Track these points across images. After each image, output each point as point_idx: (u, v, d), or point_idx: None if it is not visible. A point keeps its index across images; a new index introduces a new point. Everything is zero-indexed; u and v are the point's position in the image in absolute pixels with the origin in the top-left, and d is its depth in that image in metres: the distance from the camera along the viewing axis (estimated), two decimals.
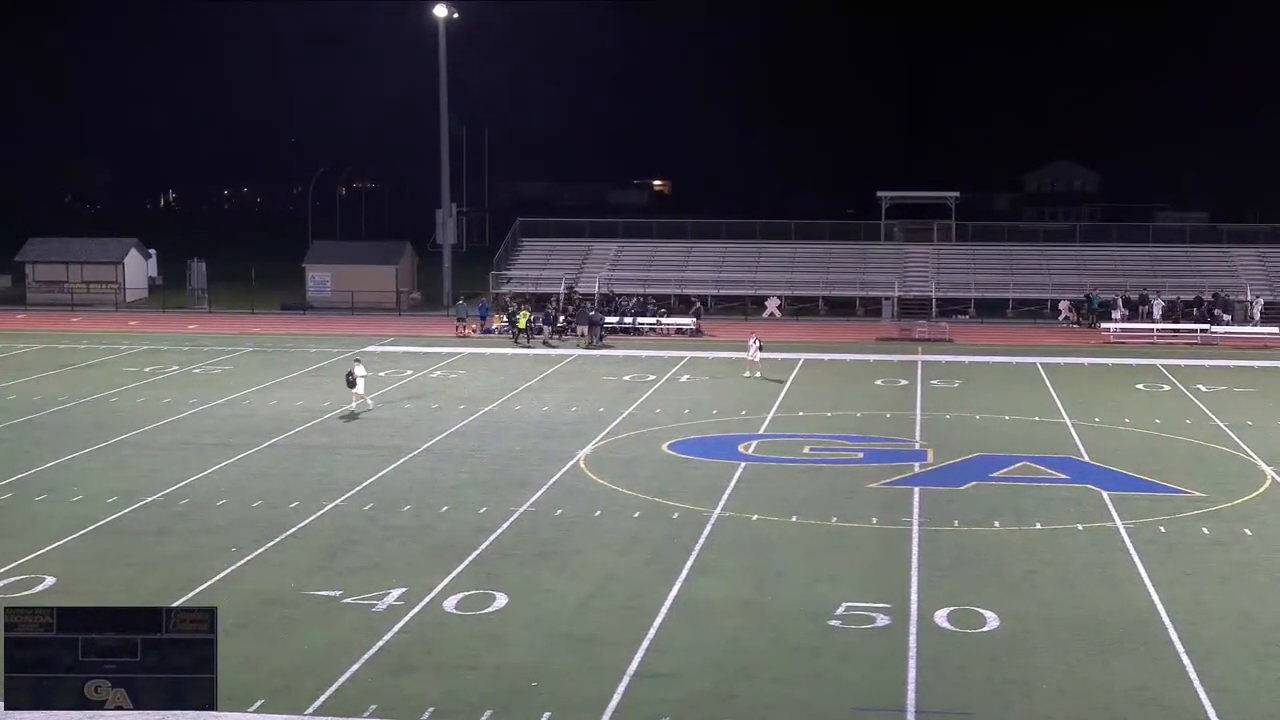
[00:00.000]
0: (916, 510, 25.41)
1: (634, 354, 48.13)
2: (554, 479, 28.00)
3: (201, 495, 26.50)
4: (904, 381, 41.65)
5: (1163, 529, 24.17)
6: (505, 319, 53.64)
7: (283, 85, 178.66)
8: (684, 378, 42.47)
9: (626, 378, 42.26)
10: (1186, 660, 17.77)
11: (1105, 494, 26.73)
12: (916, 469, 29.24)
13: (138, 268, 67.25)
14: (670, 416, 35.37)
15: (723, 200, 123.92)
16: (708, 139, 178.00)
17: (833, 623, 19.18)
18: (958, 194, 66.94)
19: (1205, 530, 24.14)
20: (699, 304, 59.49)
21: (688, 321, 55.58)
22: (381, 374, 41.48)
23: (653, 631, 18.80)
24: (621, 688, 16.81)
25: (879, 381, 41.84)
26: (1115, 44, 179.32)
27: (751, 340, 42.64)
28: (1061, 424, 34.43)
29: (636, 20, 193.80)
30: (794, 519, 24.82)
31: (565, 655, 17.94)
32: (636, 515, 25.08)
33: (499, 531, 23.92)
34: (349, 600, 20.06)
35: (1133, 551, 22.74)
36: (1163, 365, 45.00)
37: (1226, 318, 54.28)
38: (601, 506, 25.71)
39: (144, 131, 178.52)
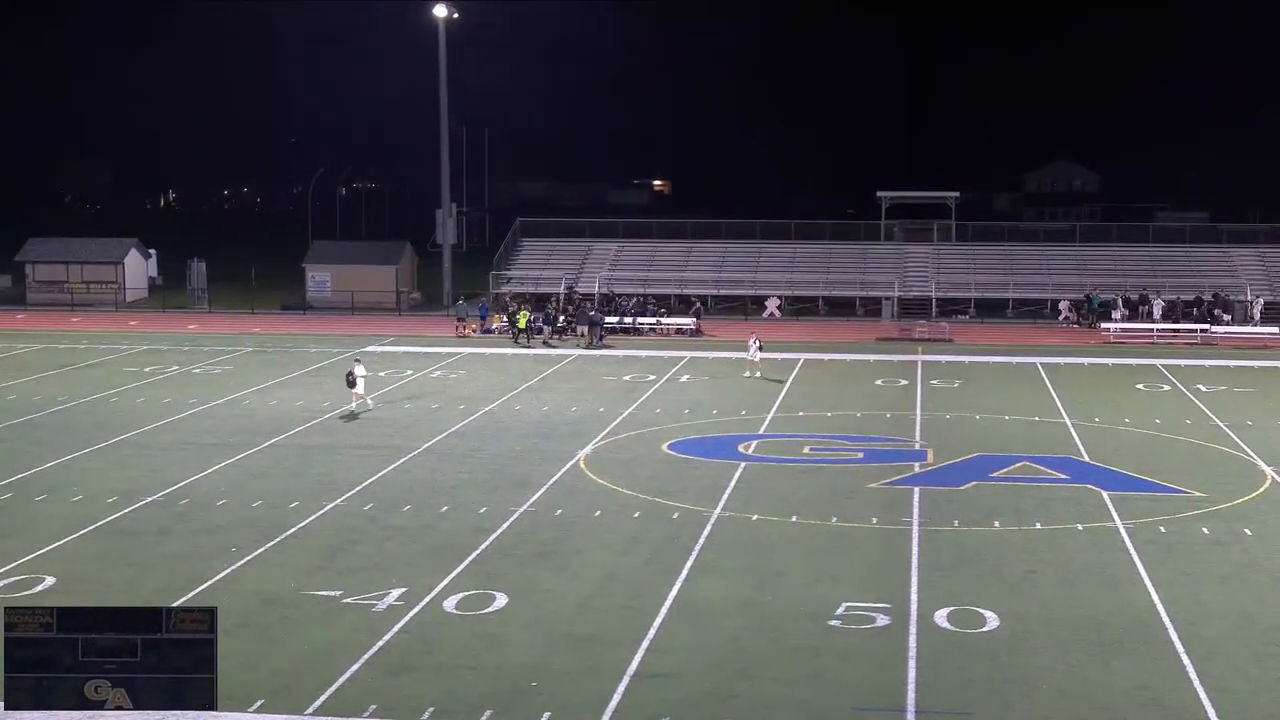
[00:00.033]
0: (916, 510, 25.41)
1: (634, 354, 48.14)
2: (554, 479, 28.00)
3: (201, 495, 26.50)
4: (904, 381, 41.66)
5: (1163, 529, 24.17)
6: (505, 319, 53.66)
7: (283, 85, 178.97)
8: (684, 378, 42.48)
9: (626, 378, 42.26)
10: (1186, 660, 17.78)
11: (1105, 494, 26.73)
12: (916, 469, 29.24)
13: (138, 268, 67.26)
14: (670, 416, 35.37)
15: (723, 200, 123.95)
16: (708, 139, 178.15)
17: (833, 623, 19.18)
18: (958, 194, 66.95)
19: (1205, 530, 24.14)
20: (698, 304, 59.52)
21: (688, 321, 55.59)
22: (381, 374, 41.49)
23: (653, 631, 18.80)
24: (621, 688, 16.81)
25: (879, 381, 41.85)
26: (1115, 44, 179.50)
27: (751, 340, 42.63)
28: (1061, 424, 34.44)
29: (636, 20, 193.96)
30: (794, 519, 24.82)
31: (565, 655, 17.95)
32: (636, 515, 25.08)
33: (499, 531, 23.93)
34: (349, 600, 20.06)
35: (1133, 551, 22.74)
36: (1163, 365, 45.00)
37: (1226, 318, 54.29)
38: (601, 506, 25.71)
39: (144, 131, 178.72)
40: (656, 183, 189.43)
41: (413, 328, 55.99)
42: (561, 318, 53.54)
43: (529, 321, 51.63)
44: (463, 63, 69.28)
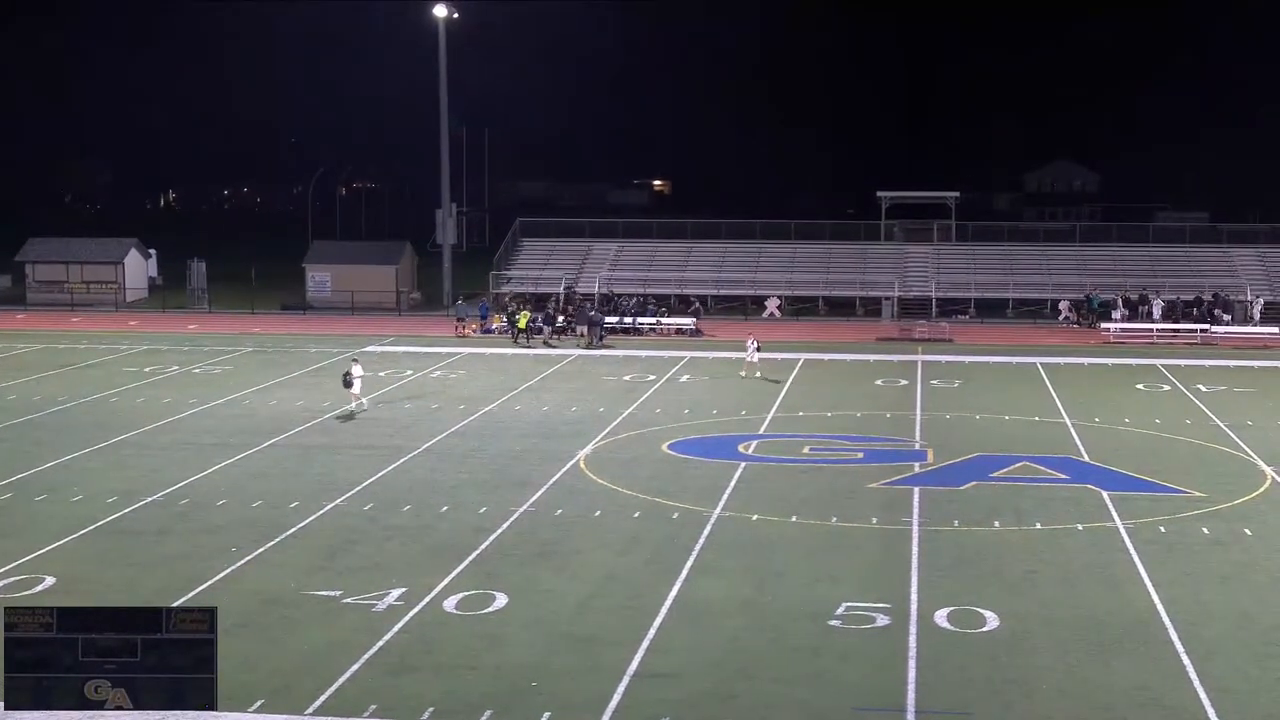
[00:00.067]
0: (916, 510, 25.41)
1: (634, 354, 48.13)
2: (554, 479, 28.00)
3: (201, 495, 26.50)
4: (904, 381, 41.66)
5: (1163, 529, 24.17)
6: (505, 319, 53.67)
7: (283, 85, 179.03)
8: (684, 378, 42.48)
9: (626, 378, 42.26)
10: (1186, 660, 17.78)
11: (1105, 494, 26.73)
12: (916, 469, 29.24)
13: (138, 268, 67.26)
14: (670, 416, 35.37)
15: (723, 200, 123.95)
16: (708, 139, 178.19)
17: (833, 623, 19.18)
18: (958, 194, 66.94)
19: (1205, 530, 24.14)
20: (697, 304, 59.53)
21: (687, 321, 55.59)
22: (381, 374, 41.52)
23: (653, 631, 18.80)
24: (621, 688, 16.81)
25: (879, 381, 41.85)
26: (1115, 44, 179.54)
27: (750, 341, 42.61)
28: (1061, 424, 34.44)
29: (636, 20, 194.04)
30: (794, 519, 24.82)
31: (565, 655, 17.94)
32: (636, 515, 25.08)
33: (499, 531, 23.92)
34: (349, 600, 20.06)
35: (1133, 551, 22.74)
36: (1163, 365, 45.00)
37: (1226, 318, 54.29)
38: (601, 506, 25.71)
39: (144, 131, 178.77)
40: (656, 183, 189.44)
41: (413, 328, 55.99)
42: (561, 318, 53.54)
43: (529, 321, 51.64)
44: (463, 63, 69.30)
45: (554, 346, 50.31)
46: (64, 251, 66.85)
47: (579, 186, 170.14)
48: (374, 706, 16.17)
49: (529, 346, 50.27)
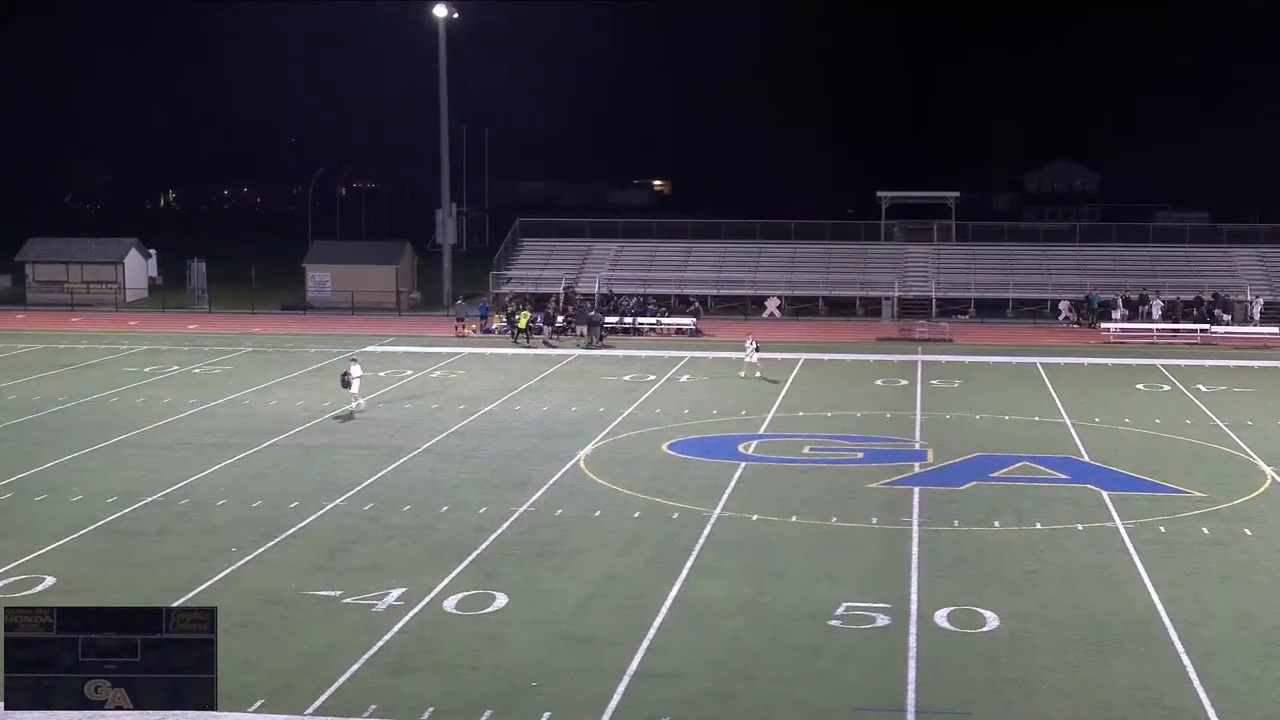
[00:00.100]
0: (916, 510, 25.41)
1: (634, 354, 48.14)
2: (554, 479, 28.00)
3: (201, 495, 26.50)
4: (904, 381, 41.66)
5: (1163, 529, 24.17)
6: (505, 319, 53.67)
7: (283, 85, 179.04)
8: (684, 378, 42.48)
9: (626, 378, 42.26)
10: (1186, 660, 17.78)
11: (1105, 494, 26.73)
12: (916, 469, 29.24)
13: (138, 268, 67.26)
14: (670, 416, 35.37)
15: (723, 200, 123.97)
16: (708, 139, 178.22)
17: (833, 623, 19.18)
18: (958, 194, 66.95)
19: (1205, 530, 24.14)
20: (696, 304, 59.53)
21: (687, 322, 55.60)
22: (381, 374, 41.54)
23: (653, 631, 18.80)
24: (621, 688, 16.81)
25: (879, 381, 41.85)
26: (1115, 44, 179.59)
27: (749, 342, 42.59)
28: (1061, 424, 34.44)
29: (636, 20, 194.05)
30: (794, 519, 24.82)
31: (565, 655, 17.94)
32: (636, 515, 25.08)
33: (499, 531, 23.92)
34: (349, 600, 20.06)
35: (1133, 551, 22.74)
36: (1163, 365, 45.00)
37: (1226, 318, 54.30)
38: (601, 506, 25.71)
39: (144, 131, 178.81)
40: (656, 183, 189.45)
41: (413, 328, 55.99)
42: (561, 318, 53.55)
43: (529, 321, 51.64)
44: (463, 63, 69.29)
45: (554, 346, 50.31)
46: (64, 251, 66.86)
47: (579, 186, 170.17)
48: (374, 706, 16.17)
49: (529, 346, 50.27)
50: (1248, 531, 24.06)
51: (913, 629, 18.90)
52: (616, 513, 25.24)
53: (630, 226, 70.22)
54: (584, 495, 26.62)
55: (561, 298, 58.59)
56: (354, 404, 35.53)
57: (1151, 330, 53.30)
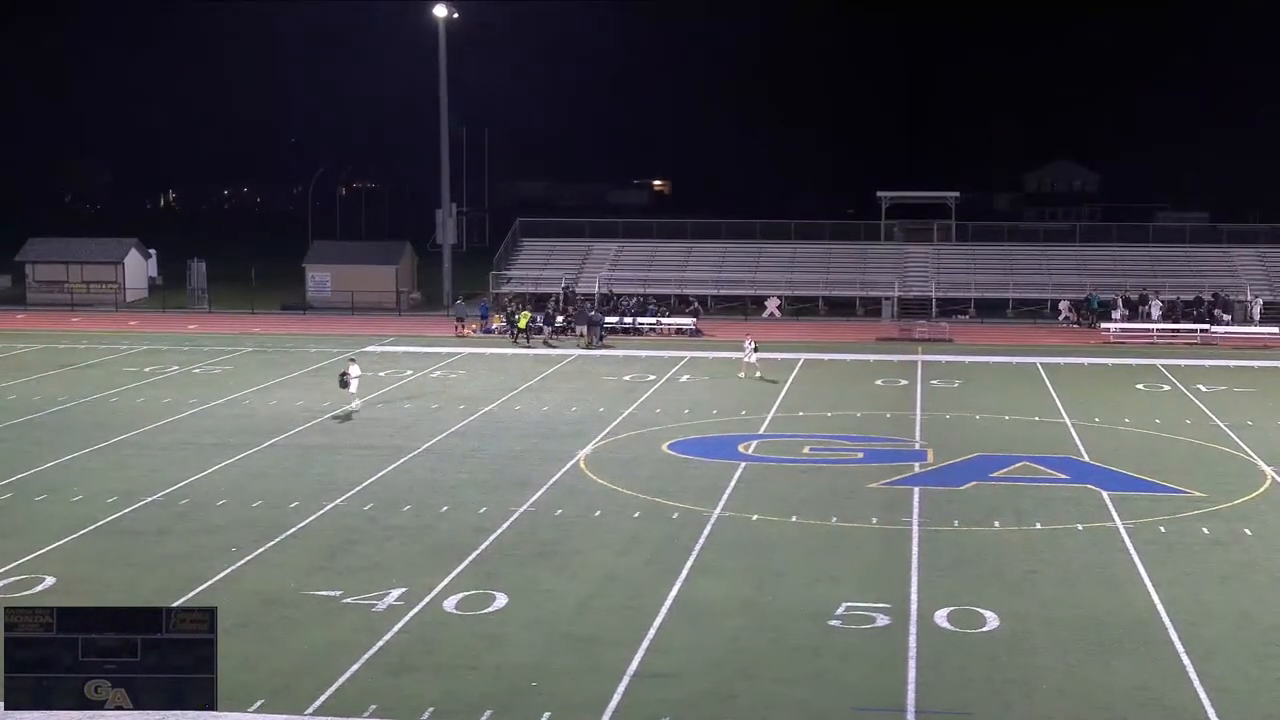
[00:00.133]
0: (916, 510, 25.41)
1: (634, 354, 48.13)
2: (554, 479, 28.00)
3: (201, 495, 26.50)
4: (904, 381, 41.65)
5: (1163, 529, 24.17)
6: (505, 319, 53.67)
7: (283, 85, 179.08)
8: (684, 378, 42.48)
9: (626, 378, 42.26)
10: (1186, 660, 17.78)
11: (1105, 494, 26.73)
12: (916, 469, 29.24)
13: (138, 268, 67.26)
14: (670, 416, 35.37)
15: (723, 200, 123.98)
16: (708, 139, 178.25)
17: (833, 623, 19.18)
18: (958, 194, 66.94)
19: (1205, 530, 24.14)
20: (695, 304, 59.52)
21: (687, 321, 55.60)
22: (381, 374, 41.54)
23: (653, 631, 18.80)
24: (621, 688, 16.81)
25: (879, 381, 41.84)
26: (1115, 44, 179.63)
27: (747, 342, 42.57)
28: (1061, 424, 34.43)
29: (636, 20, 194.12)
30: (794, 519, 24.82)
31: (565, 655, 17.94)
32: (636, 515, 25.08)
33: (499, 531, 23.92)
34: (349, 600, 20.06)
35: (1133, 551, 22.74)
36: (1163, 365, 45.00)
37: (1226, 318, 54.29)
38: (601, 506, 25.71)
39: (144, 131, 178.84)
40: (656, 183, 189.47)
41: (413, 328, 55.99)
42: (561, 318, 53.55)
43: (529, 321, 51.64)
44: (463, 63, 69.25)
45: (554, 346, 50.31)
46: (64, 251, 66.85)
47: (579, 186, 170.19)
48: (374, 706, 16.18)
49: (529, 346, 50.27)
50: (1248, 531, 24.06)
51: (913, 629, 18.90)
52: (616, 513, 25.23)
53: (630, 226, 70.22)
54: (584, 495, 26.61)
55: (561, 298, 58.60)
56: (351, 404, 35.52)
57: (1151, 330, 53.30)
